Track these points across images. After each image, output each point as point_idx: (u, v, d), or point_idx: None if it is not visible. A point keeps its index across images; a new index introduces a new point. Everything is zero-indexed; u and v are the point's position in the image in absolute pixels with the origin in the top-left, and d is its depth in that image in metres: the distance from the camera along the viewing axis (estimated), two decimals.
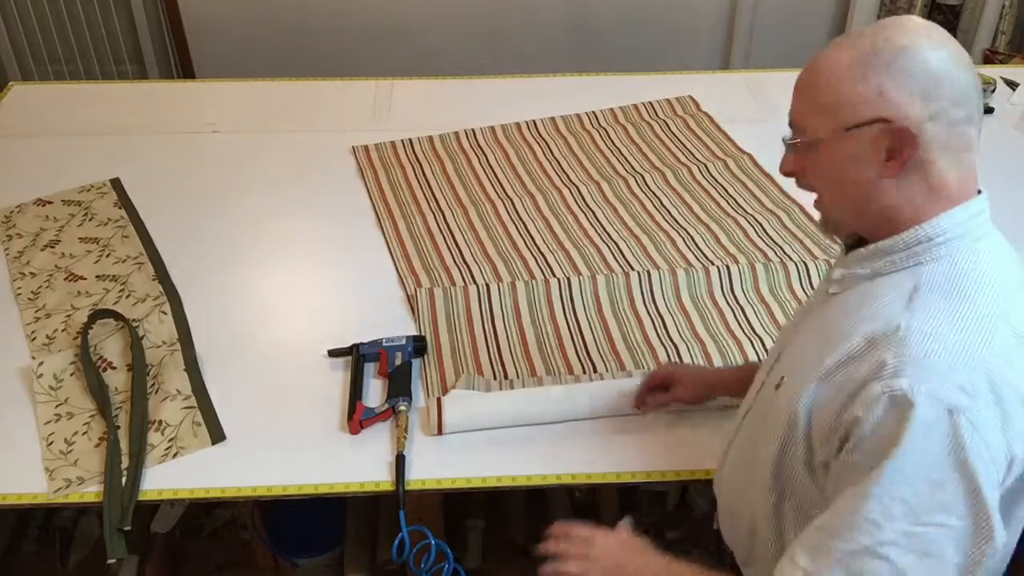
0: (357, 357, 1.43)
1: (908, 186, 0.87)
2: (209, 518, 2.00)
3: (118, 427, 1.33)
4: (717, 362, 1.45)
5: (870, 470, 0.81)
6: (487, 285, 1.61)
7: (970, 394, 0.79)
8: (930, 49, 0.84)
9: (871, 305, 0.88)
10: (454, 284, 1.62)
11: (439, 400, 1.32)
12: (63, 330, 1.52)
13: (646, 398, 1.33)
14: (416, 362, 1.45)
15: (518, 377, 1.44)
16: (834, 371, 0.87)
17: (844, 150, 0.88)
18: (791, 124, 0.93)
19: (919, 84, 0.84)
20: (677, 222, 1.79)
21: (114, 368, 1.44)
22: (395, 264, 1.68)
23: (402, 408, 1.34)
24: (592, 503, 1.95)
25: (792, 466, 0.93)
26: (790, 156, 0.94)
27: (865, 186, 0.88)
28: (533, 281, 1.62)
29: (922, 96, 0.84)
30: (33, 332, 1.52)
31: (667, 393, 1.32)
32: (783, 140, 0.94)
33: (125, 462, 1.28)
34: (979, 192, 0.91)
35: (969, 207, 0.89)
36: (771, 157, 1.96)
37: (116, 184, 1.89)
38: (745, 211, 1.81)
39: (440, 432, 1.32)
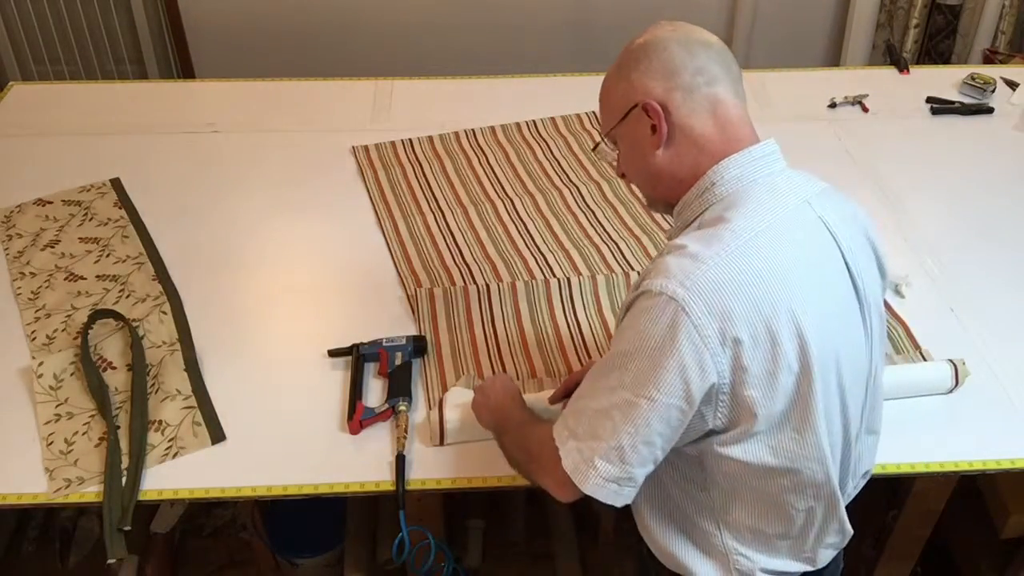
0: (357, 357, 1.43)
1: (680, 150, 1.03)
2: (209, 518, 2.00)
3: (118, 427, 1.33)
4: None
5: (615, 348, 0.97)
6: (487, 285, 1.61)
7: (690, 289, 0.92)
8: (667, 40, 1.04)
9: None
10: (454, 284, 1.62)
11: (440, 412, 1.32)
12: (63, 330, 1.52)
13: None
14: (416, 362, 1.45)
15: (518, 378, 1.44)
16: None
17: (626, 139, 1.07)
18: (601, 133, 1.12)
19: (659, 68, 1.03)
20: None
21: (114, 368, 1.44)
22: (395, 264, 1.68)
23: (402, 408, 1.34)
24: (592, 503, 1.95)
25: None
26: (613, 159, 1.13)
27: (651, 162, 1.04)
28: (533, 281, 1.62)
29: (662, 76, 1.02)
30: (33, 332, 1.52)
31: None
32: (599, 150, 1.14)
33: (125, 462, 1.29)
34: (764, 142, 1.04)
35: (750, 152, 1.02)
36: None
37: (116, 184, 1.89)
38: None
39: (441, 443, 1.32)
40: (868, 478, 1.18)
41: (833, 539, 1.10)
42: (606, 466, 0.97)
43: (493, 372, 1.45)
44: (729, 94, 1.03)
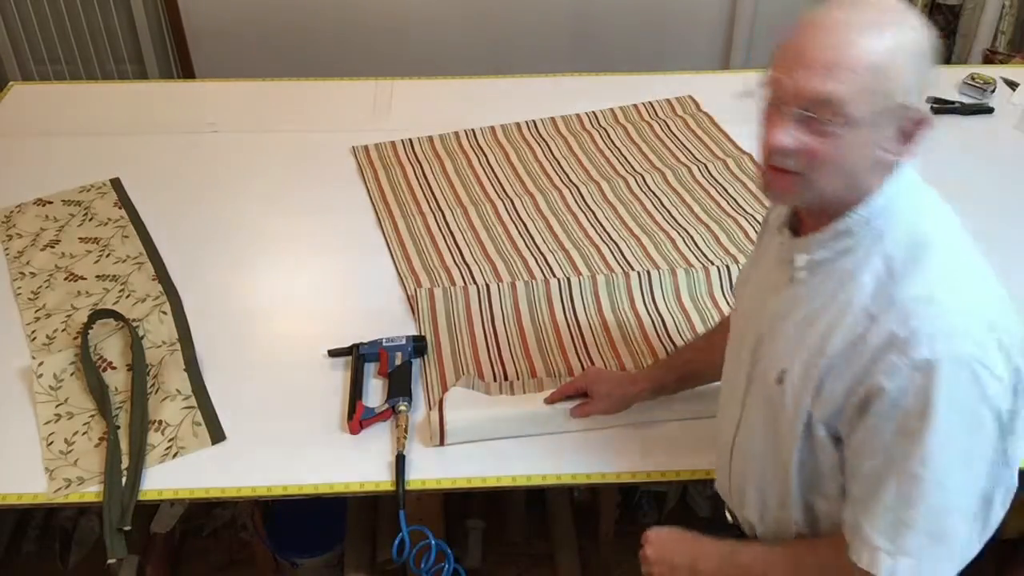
0: (357, 357, 1.43)
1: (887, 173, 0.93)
2: (209, 518, 2.00)
3: (118, 427, 1.33)
4: None
5: (918, 436, 0.88)
6: (487, 285, 1.61)
7: (978, 342, 0.87)
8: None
9: (854, 283, 0.93)
10: (454, 284, 1.62)
11: (440, 412, 1.32)
12: (63, 330, 1.52)
13: (572, 410, 1.34)
14: (416, 362, 1.45)
15: (518, 378, 1.44)
16: (841, 354, 0.92)
17: (875, 132, 0.89)
18: (820, 100, 0.87)
19: (926, 75, 0.89)
20: (677, 222, 1.79)
21: (114, 368, 1.44)
22: (395, 264, 1.68)
23: (402, 408, 1.34)
24: (592, 503, 1.95)
25: (819, 453, 0.98)
26: (802, 131, 0.89)
27: (868, 167, 0.91)
28: (533, 281, 1.62)
29: (924, 84, 0.89)
30: (33, 332, 1.52)
31: (585, 404, 1.33)
32: (810, 116, 0.88)
33: (125, 462, 1.28)
34: None
35: (904, 172, 0.94)
36: None
37: (116, 184, 1.89)
38: (745, 211, 1.81)
39: (442, 443, 1.32)
40: None
41: None
42: (967, 542, 0.92)
43: (493, 372, 1.45)
44: None
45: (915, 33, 0.88)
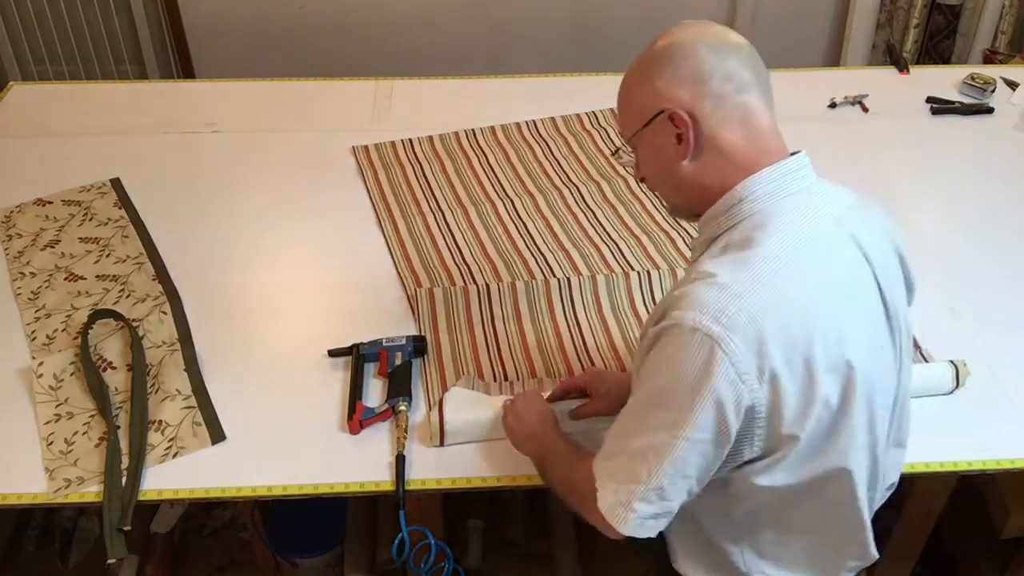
0: (357, 357, 1.43)
1: (707, 161, 0.98)
2: (209, 518, 2.00)
3: (118, 427, 1.33)
4: None
5: (642, 385, 0.96)
6: (487, 285, 1.61)
7: (727, 326, 0.89)
8: (695, 42, 0.97)
9: (697, 264, 1.00)
10: (454, 284, 1.62)
11: (440, 412, 1.32)
12: (63, 330, 1.52)
13: (572, 412, 1.33)
14: (416, 362, 1.45)
15: (518, 378, 1.44)
16: (648, 324, 1.00)
17: (648, 146, 1.03)
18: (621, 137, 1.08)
19: (686, 73, 0.96)
20: (677, 222, 1.78)
21: (114, 368, 1.44)
22: (395, 264, 1.68)
23: (402, 408, 1.34)
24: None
25: None
26: (632, 164, 1.09)
27: (675, 171, 1.00)
28: (533, 281, 1.62)
29: (692, 82, 0.96)
30: (33, 332, 1.52)
31: (585, 404, 1.33)
32: (619, 155, 1.11)
33: (125, 462, 1.29)
34: (794, 154, 1.01)
35: (781, 166, 0.98)
36: None
37: (116, 184, 1.89)
38: None
39: (442, 443, 1.32)
40: (892, 490, 1.17)
41: (854, 562, 1.10)
42: (645, 507, 0.95)
43: (493, 372, 1.45)
44: (759, 102, 0.98)
45: (655, 49, 0.99)
